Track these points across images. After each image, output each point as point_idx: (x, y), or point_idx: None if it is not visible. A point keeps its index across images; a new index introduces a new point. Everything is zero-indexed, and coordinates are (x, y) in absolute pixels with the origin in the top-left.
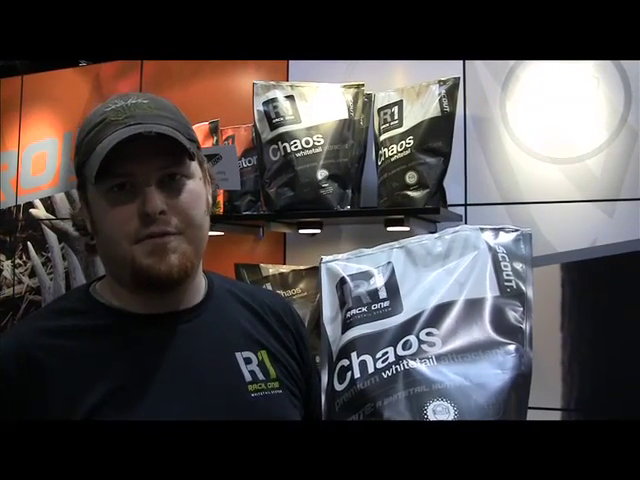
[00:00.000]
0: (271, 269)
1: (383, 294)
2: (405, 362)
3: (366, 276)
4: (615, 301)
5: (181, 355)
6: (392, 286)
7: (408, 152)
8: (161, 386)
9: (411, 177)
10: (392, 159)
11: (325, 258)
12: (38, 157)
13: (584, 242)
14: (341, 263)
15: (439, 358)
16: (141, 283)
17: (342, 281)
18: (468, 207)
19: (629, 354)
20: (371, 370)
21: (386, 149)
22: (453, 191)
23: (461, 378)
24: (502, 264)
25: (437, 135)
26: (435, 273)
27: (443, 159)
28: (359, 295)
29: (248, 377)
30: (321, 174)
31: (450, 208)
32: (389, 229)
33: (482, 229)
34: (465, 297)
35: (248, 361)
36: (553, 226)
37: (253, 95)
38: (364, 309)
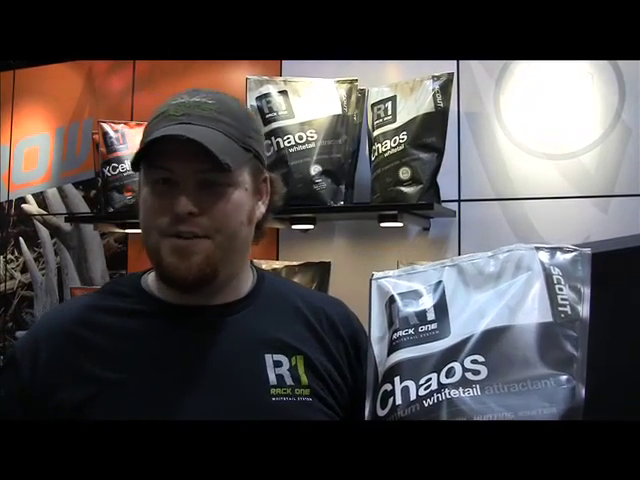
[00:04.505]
0: (264, 265)
1: (431, 315)
2: (447, 391)
3: (416, 295)
4: (613, 297)
5: (205, 349)
6: (441, 307)
7: (402, 148)
8: (176, 378)
9: (404, 173)
10: (385, 154)
11: (376, 274)
12: (30, 152)
13: (578, 238)
14: (392, 280)
15: (484, 388)
16: (162, 276)
17: (391, 300)
18: (462, 203)
19: (628, 353)
20: (413, 397)
21: (379, 144)
22: (447, 187)
23: (505, 410)
24: (557, 287)
25: (431, 131)
26: (486, 295)
27: (437, 155)
28: (407, 316)
29: (273, 380)
30: (314, 169)
31: (444, 204)
32: (382, 225)
33: (537, 248)
34: (515, 323)
35: (278, 364)
36: (547, 222)
37: (246, 90)
38: (411, 331)
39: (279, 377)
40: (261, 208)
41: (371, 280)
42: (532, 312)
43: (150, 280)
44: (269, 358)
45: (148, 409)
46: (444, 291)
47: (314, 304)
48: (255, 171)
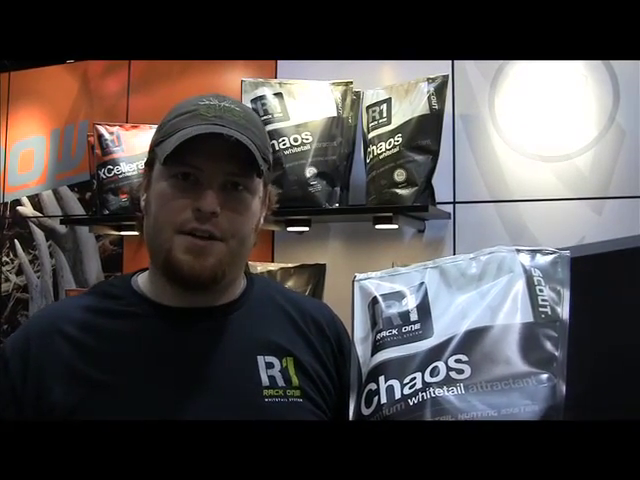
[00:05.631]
0: (259, 267)
1: (414, 316)
2: (432, 390)
3: (398, 296)
4: (605, 299)
5: (199, 351)
6: (424, 308)
7: (397, 150)
8: (171, 380)
9: (400, 175)
10: (381, 157)
11: (359, 276)
12: (25, 154)
13: (572, 240)
14: (374, 282)
15: (467, 387)
16: (171, 274)
17: (374, 300)
18: (457, 205)
19: (618, 353)
20: (398, 396)
21: (374, 147)
22: (442, 189)
23: (489, 409)
24: (537, 288)
25: (426, 133)
26: (468, 296)
27: (432, 157)
28: (390, 316)
29: (265, 381)
30: (309, 172)
31: (439, 206)
32: (377, 227)
33: (518, 250)
34: (497, 323)
35: (270, 366)
36: (541, 224)
37: (241, 92)
38: (394, 331)
39: (271, 378)
40: (262, 219)
41: (353, 281)
42: (514, 312)
43: (141, 281)
44: (261, 359)
45: (144, 411)
46: (426, 292)
47: (300, 307)
48: (266, 182)
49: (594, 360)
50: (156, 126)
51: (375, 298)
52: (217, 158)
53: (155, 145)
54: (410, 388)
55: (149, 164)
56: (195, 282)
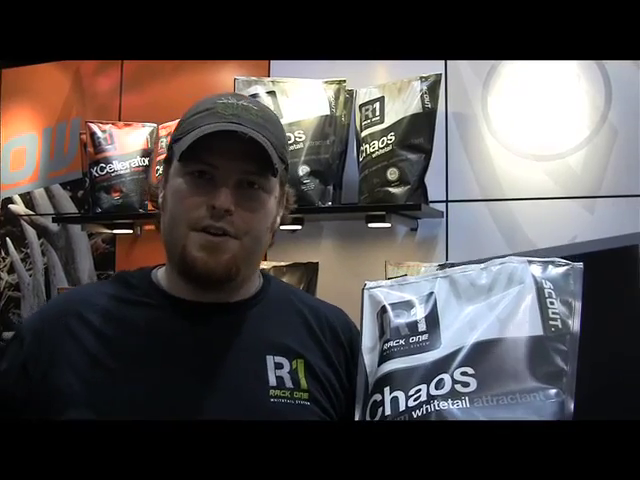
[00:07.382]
0: None
1: (422, 327)
2: (437, 403)
3: (407, 306)
4: (597, 297)
5: (208, 346)
6: (432, 319)
7: (389, 148)
8: (179, 372)
9: (392, 173)
10: (373, 155)
11: (369, 284)
12: (17, 152)
13: (564, 239)
14: (384, 290)
15: (473, 400)
16: (185, 271)
17: (383, 310)
18: (449, 204)
19: (612, 355)
20: (402, 408)
21: (367, 145)
22: (434, 187)
23: None
24: (548, 301)
25: (418, 131)
26: (477, 307)
27: (424, 155)
28: (398, 326)
29: (273, 382)
30: (302, 170)
31: (431, 204)
32: (370, 225)
33: (530, 261)
34: (506, 335)
35: (279, 366)
36: (534, 223)
37: (234, 91)
38: (402, 341)
39: (279, 379)
40: (278, 219)
41: (363, 290)
42: (523, 325)
43: (160, 275)
44: (270, 359)
45: (152, 401)
46: (436, 302)
47: (317, 311)
48: (283, 182)
49: (590, 359)
50: (148, 124)
51: (384, 307)
52: (232, 156)
53: (173, 142)
54: (415, 400)
55: (167, 161)
56: (209, 278)
